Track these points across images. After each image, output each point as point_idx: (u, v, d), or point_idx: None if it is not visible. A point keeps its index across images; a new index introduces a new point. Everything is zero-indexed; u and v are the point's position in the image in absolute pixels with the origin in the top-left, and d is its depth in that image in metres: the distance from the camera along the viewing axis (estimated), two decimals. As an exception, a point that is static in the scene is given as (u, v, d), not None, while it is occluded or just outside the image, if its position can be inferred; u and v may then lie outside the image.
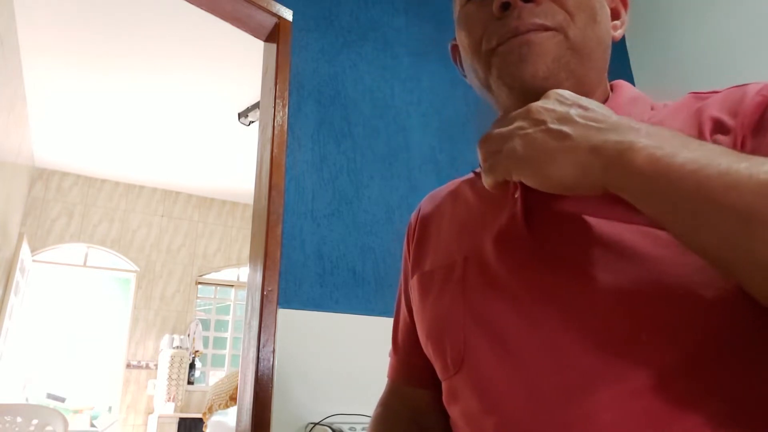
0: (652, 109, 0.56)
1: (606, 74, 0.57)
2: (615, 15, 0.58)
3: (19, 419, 2.52)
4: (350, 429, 1.46)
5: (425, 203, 0.71)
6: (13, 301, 3.99)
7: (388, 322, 0.74)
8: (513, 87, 0.52)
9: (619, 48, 2.69)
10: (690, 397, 0.39)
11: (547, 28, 0.50)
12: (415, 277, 0.63)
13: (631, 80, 2.62)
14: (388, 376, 0.72)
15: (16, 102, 3.54)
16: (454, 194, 0.65)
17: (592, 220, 0.47)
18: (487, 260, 0.53)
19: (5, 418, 2.50)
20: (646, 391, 0.39)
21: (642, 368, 0.40)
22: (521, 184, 0.52)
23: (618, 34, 0.58)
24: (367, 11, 2.14)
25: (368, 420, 1.59)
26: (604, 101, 0.56)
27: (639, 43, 2.62)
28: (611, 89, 0.59)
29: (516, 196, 0.52)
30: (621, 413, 0.40)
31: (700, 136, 0.46)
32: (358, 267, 1.78)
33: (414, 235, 0.69)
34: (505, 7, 0.51)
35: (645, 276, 0.42)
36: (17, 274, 4.03)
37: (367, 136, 1.96)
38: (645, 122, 0.50)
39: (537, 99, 0.51)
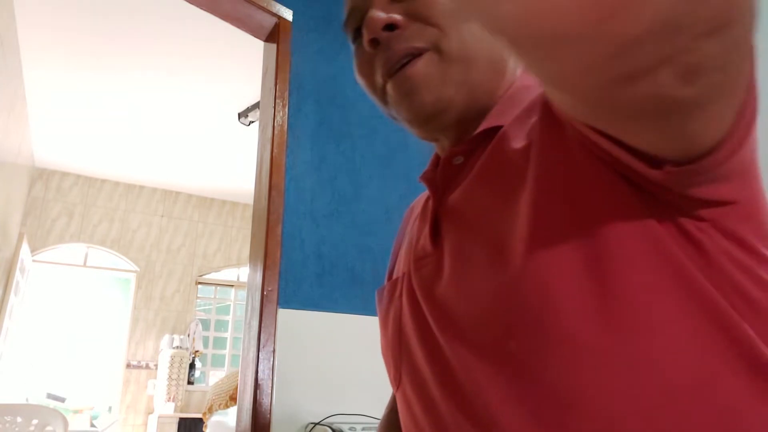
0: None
1: (508, 67, 0.53)
2: None
3: (19, 419, 2.52)
4: (350, 429, 1.46)
5: (406, 213, 0.72)
6: (13, 301, 3.99)
7: (387, 322, 0.75)
8: (410, 120, 0.52)
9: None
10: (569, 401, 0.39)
11: (419, 50, 0.49)
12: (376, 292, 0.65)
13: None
14: None
15: (16, 102, 3.55)
16: (421, 205, 0.65)
17: (465, 234, 0.48)
18: (411, 280, 0.54)
19: (5, 418, 2.50)
20: (532, 394, 0.40)
21: (518, 380, 0.41)
22: (434, 196, 0.53)
23: None
24: (366, 11, 2.14)
25: (368, 420, 1.60)
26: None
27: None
28: None
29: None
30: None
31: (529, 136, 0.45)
32: (357, 267, 1.78)
33: (394, 246, 0.71)
34: (375, 42, 0.50)
35: (498, 290, 0.43)
36: (17, 274, 4.03)
37: (365, 136, 1.96)
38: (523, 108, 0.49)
39: (436, 123, 0.51)
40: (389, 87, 0.51)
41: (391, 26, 0.49)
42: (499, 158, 0.47)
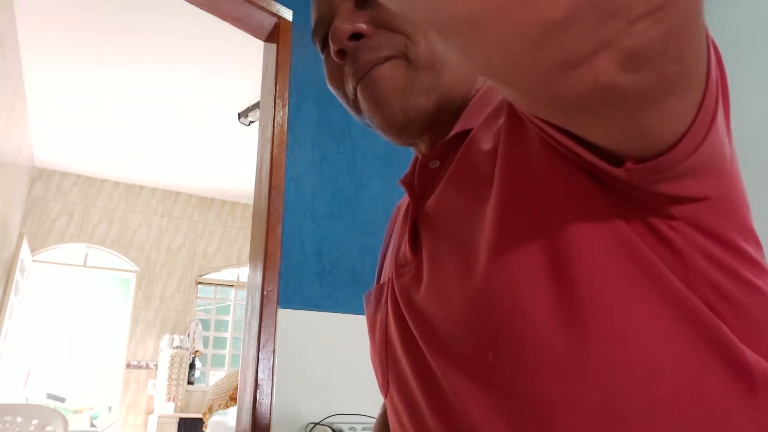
0: None
1: None
2: None
3: (19, 419, 2.52)
4: (350, 429, 1.46)
5: (392, 214, 0.71)
6: (13, 301, 3.99)
7: (387, 322, 0.75)
8: (383, 129, 0.52)
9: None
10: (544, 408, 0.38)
11: (387, 58, 0.48)
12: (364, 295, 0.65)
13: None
14: None
15: (16, 102, 3.54)
16: (405, 207, 0.65)
17: (439, 241, 0.47)
18: (394, 284, 0.53)
19: (5, 418, 2.50)
20: (509, 407, 0.39)
21: (497, 389, 0.40)
22: (412, 201, 0.52)
23: None
24: (366, 11, 2.14)
25: (368, 420, 1.60)
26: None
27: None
28: None
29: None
30: None
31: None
32: (357, 267, 1.78)
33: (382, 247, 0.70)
34: (342, 53, 0.50)
35: (471, 299, 0.42)
36: (17, 274, 4.03)
37: (366, 136, 1.96)
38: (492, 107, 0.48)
39: (409, 131, 0.50)
40: (359, 95, 0.51)
41: (357, 35, 0.49)
42: (468, 162, 0.46)
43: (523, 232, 0.39)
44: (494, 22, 0.23)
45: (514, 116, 0.42)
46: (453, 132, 0.50)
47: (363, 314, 1.81)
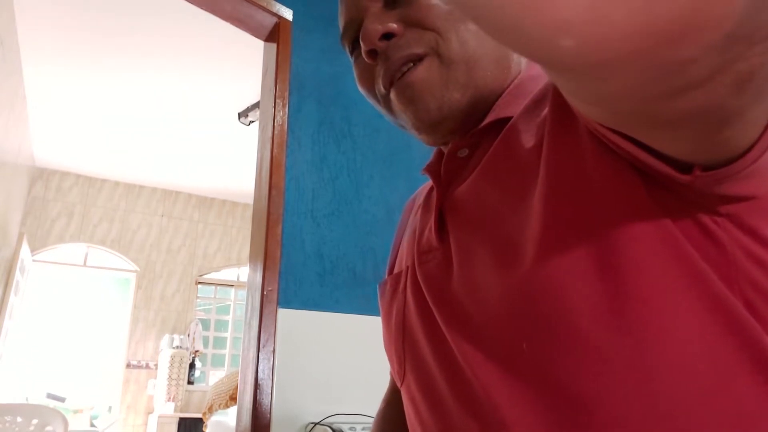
0: None
1: (513, 61, 0.52)
2: None
3: (19, 419, 2.52)
4: (350, 429, 1.46)
5: (407, 205, 0.71)
6: (13, 301, 3.99)
7: (388, 322, 0.75)
8: (417, 127, 0.51)
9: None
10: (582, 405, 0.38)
11: (418, 56, 0.48)
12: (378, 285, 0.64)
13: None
14: (390, 374, 0.73)
15: (16, 102, 3.54)
16: (424, 196, 0.64)
17: (472, 230, 0.47)
18: (415, 273, 0.53)
19: (5, 418, 2.50)
20: (549, 406, 0.39)
21: (529, 381, 0.40)
22: (438, 189, 0.52)
23: None
24: (367, 11, 2.14)
25: (368, 420, 1.59)
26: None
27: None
28: None
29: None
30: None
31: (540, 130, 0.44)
32: (358, 267, 1.78)
33: (395, 238, 0.70)
34: (373, 53, 0.49)
35: (509, 290, 0.41)
36: (17, 274, 4.02)
37: (367, 136, 1.96)
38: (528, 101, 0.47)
39: (443, 128, 0.50)
40: (392, 96, 0.51)
41: (388, 35, 0.49)
42: (509, 153, 0.46)
43: (571, 228, 0.39)
44: (633, 63, 0.21)
45: (560, 108, 0.41)
46: (488, 120, 0.49)
47: (363, 314, 1.81)
